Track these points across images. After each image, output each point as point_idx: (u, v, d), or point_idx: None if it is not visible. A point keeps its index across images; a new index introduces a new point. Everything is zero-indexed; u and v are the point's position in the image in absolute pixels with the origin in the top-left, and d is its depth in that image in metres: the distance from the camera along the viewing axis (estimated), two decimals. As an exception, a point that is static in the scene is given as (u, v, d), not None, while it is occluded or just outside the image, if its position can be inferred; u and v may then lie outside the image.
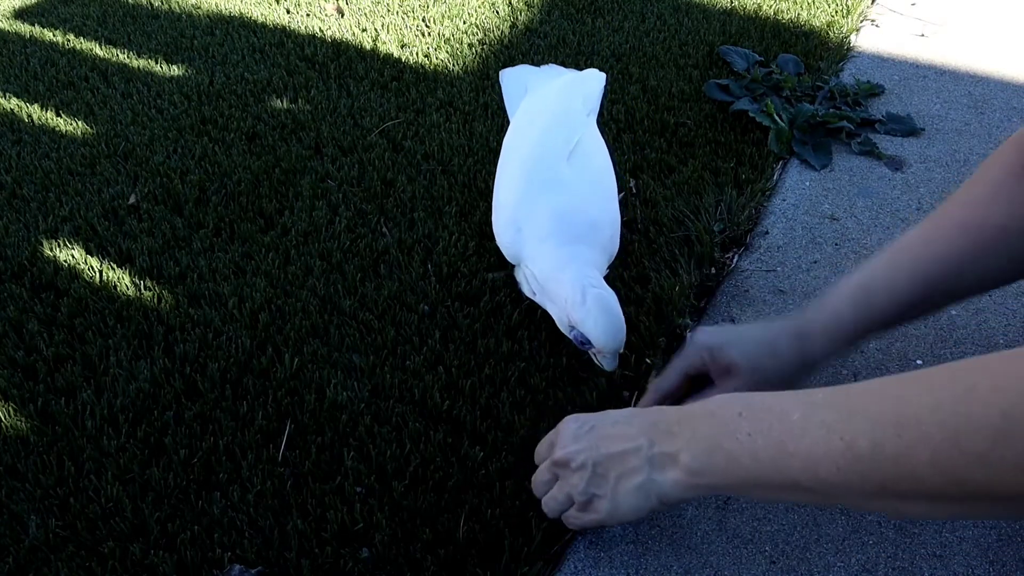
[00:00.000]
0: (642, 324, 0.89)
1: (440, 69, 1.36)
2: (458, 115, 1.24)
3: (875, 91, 1.29)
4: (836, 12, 1.48)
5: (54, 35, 1.49)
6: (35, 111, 1.28)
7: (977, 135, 1.20)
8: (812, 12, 1.48)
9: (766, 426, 0.57)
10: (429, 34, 1.46)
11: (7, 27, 1.52)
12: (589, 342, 0.79)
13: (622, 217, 0.94)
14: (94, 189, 1.12)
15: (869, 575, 0.69)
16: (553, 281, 0.82)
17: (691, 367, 0.76)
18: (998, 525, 0.72)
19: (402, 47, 1.42)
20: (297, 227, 1.04)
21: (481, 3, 1.54)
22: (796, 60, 1.34)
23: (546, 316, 0.87)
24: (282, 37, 1.46)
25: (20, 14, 1.56)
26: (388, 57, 1.39)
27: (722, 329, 0.78)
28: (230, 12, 1.54)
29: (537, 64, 1.16)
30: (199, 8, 1.56)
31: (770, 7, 1.50)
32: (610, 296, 0.79)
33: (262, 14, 1.53)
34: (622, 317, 0.79)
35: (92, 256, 1.01)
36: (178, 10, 1.55)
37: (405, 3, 1.55)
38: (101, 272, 0.99)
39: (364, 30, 1.47)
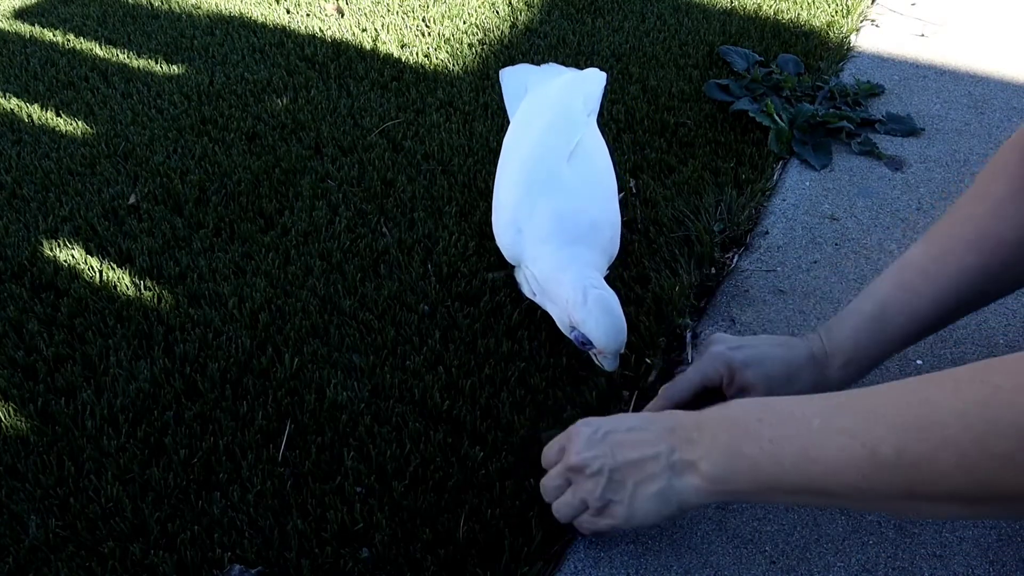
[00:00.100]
0: (642, 324, 0.89)
1: (440, 69, 1.36)
2: (458, 115, 1.24)
3: (875, 91, 1.29)
4: (836, 12, 1.48)
5: (54, 35, 1.49)
6: (35, 111, 1.28)
7: (977, 135, 1.20)
8: (812, 12, 1.48)
9: (787, 433, 0.56)
10: (429, 34, 1.46)
11: (7, 27, 1.52)
12: (590, 343, 0.79)
13: (622, 217, 0.94)
14: (94, 189, 1.12)
15: (869, 575, 0.69)
16: (554, 282, 0.82)
17: (708, 380, 0.75)
18: (998, 525, 0.72)
19: (402, 47, 1.42)
20: (297, 227, 1.04)
21: (481, 3, 1.54)
22: (796, 60, 1.34)
23: (546, 316, 0.87)
24: (282, 37, 1.46)
25: (20, 14, 1.56)
26: (388, 57, 1.39)
27: (742, 344, 0.76)
28: (230, 12, 1.54)
29: (537, 64, 1.16)
30: (199, 8, 1.56)
31: (770, 7, 1.50)
32: (611, 297, 0.79)
33: (262, 14, 1.53)
34: (623, 318, 0.79)
35: (92, 256, 1.01)
36: (178, 10, 1.55)
37: (405, 3, 1.55)
38: (101, 272, 0.99)
39: (364, 30, 1.47)
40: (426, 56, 1.39)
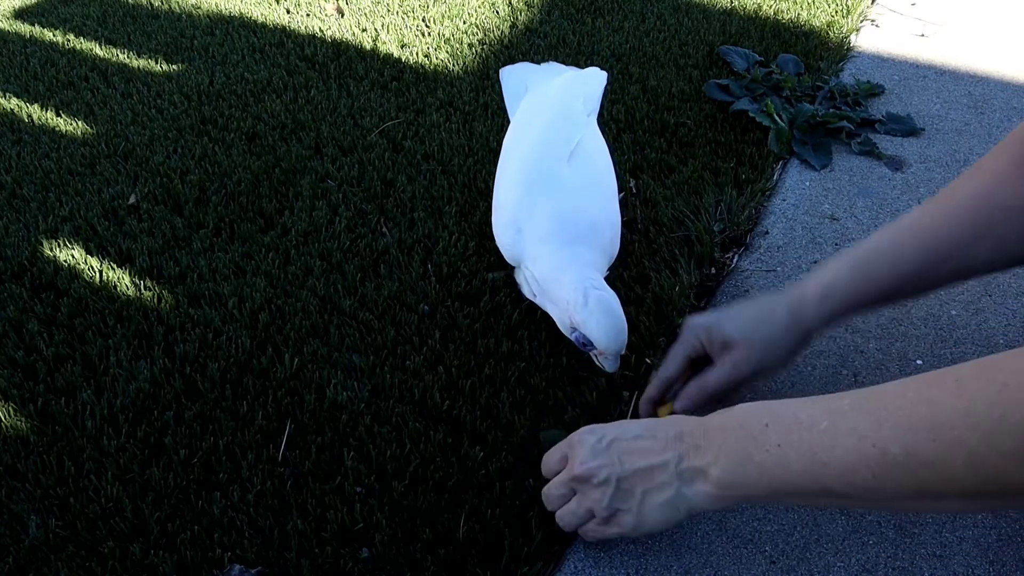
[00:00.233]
0: (642, 324, 0.89)
1: (440, 69, 1.36)
2: (458, 115, 1.24)
3: (875, 91, 1.29)
4: (836, 12, 1.48)
5: (54, 35, 1.49)
6: (35, 111, 1.28)
7: (977, 135, 1.20)
8: (812, 12, 1.48)
9: (795, 436, 0.57)
10: (429, 34, 1.46)
11: (7, 27, 1.52)
12: (591, 344, 0.79)
13: (622, 217, 0.94)
14: (94, 189, 1.12)
15: (869, 575, 0.69)
16: (554, 283, 0.82)
17: (691, 350, 0.77)
18: (998, 525, 0.72)
19: (402, 47, 1.42)
20: (297, 227, 1.04)
21: (481, 3, 1.54)
22: (796, 60, 1.34)
23: (546, 316, 0.87)
24: (282, 37, 1.46)
25: (20, 14, 1.56)
26: (388, 57, 1.39)
27: (716, 310, 0.79)
28: (230, 12, 1.54)
29: (537, 63, 1.16)
30: (199, 8, 1.56)
31: (770, 7, 1.50)
32: (612, 298, 0.79)
33: (262, 14, 1.53)
34: (624, 319, 0.79)
35: (92, 256, 1.01)
36: (178, 10, 1.55)
37: (405, 3, 1.55)
38: (101, 272, 0.99)
39: (364, 30, 1.47)
40: (426, 56, 1.39)
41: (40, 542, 0.72)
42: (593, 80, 1.04)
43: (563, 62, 1.15)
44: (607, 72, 1.09)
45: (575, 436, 0.68)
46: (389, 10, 1.54)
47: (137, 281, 0.97)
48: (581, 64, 1.32)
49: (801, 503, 0.72)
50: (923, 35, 1.45)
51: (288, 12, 1.54)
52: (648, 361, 0.86)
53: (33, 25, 1.52)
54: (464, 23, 1.48)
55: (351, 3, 1.56)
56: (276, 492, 0.76)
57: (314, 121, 1.24)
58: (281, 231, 1.04)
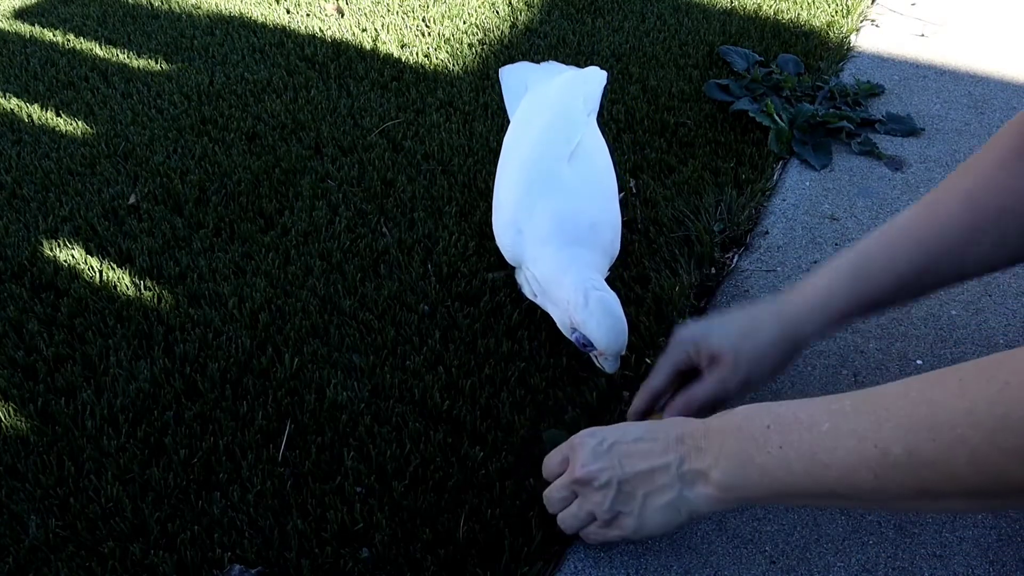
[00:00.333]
0: (642, 324, 0.89)
1: (440, 69, 1.36)
2: (458, 115, 1.24)
3: (875, 91, 1.29)
4: (836, 12, 1.48)
5: (54, 35, 1.49)
6: (35, 111, 1.28)
7: (977, 135, 1.20)
8: (812, 12, 1.48)
9: (796, 438, 0.57)
10: (429, 34, 1.46)
11: (7, 27, 1.52)
12: (591, 344, 0.79)
13: (622, 217, 0.94)
14: (94, 189, 1.12)
15: (869, 575, 0.69)
16: (554, 283, 0.82)
17: (679, 363, 0.76)
18: (998, 525, 0.72)
19: (402, 47, 1.42)
20: (297, 227, 1.04)
21: (481, 3, 1.54)
22: (796, 60, 1.34)
23: (546, 316, 0.87)
24: (282, 37, 1.46)
25: (20, 14, 1.56)
26: (388, 57, 1.39)
27: (704, 321, 0.77)
28: (230, 12, 1.54)
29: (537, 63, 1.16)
30: (199, 8, 1.56)
31: (770, 7, 1.50)
32: (612, 298, 0.79)
33: (262, 14, 1.53)
34: (624, 319, 0.78)
35: (92, 256, 1.01)
36: (178, 10, 1.55)
37: (405, 3, 1.55)
38: (101, 272, 0.99)
39: (364, 30, 1.47)
40: (426, 56, 1.39)
41: (40, 542, 0.72)
42: (593, 80, 1.04)
43: (563, 62, 1.14)
44: (607, 72, 1.09)
45: (576, 439, 0.68)
46: (389, 10, 1.54)
47: (137, 281, 0.97)
48: (581, 64, 1.32)
49: (802, 504, 0.72)
50: (923, 35, 1.45)
51: (288, 12, 1.54)
52: (648, 361, 0.86)
53: (33, 25, 1.52)
54: (464, 23, 1.48)
55: (351, 3, 1.56)
56: (276, 492, 0.76)
57: (314, 121, 1.24)
58: (281, 231, 1.04)
